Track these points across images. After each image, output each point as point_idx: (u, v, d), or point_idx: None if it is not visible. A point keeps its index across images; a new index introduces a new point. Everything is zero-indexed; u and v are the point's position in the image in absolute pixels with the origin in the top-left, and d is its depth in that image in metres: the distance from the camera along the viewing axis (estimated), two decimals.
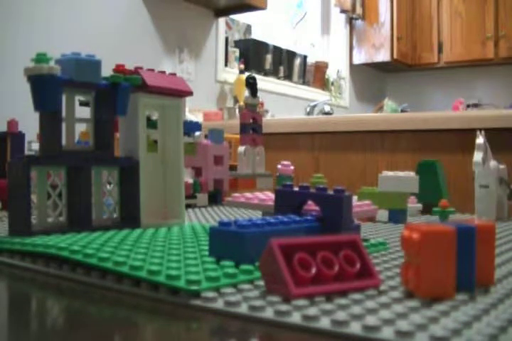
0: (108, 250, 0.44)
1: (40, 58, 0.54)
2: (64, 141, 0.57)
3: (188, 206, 0.94)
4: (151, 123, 0.67)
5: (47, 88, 0.54)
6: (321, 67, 3.49)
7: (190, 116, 2.19)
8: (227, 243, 0.42)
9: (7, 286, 0.44)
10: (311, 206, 0.52)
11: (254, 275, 0.39)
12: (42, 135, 0.56)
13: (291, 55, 3.23)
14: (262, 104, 2.69)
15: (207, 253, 0.44)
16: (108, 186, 0.62)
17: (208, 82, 2.65)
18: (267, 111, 2.76)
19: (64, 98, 0.57)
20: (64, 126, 0.57)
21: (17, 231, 0.53)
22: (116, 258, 0.41)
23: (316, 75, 3.46)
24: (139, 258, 0.42)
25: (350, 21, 3.75)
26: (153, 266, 0.39)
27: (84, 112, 0.60)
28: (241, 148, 1.04)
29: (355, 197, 0.72)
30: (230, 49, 2.82)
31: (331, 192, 0.49)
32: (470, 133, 1.29)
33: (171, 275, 0.37)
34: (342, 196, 0.48)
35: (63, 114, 0.57)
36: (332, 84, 3.59)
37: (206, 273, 0.37)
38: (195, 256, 0.44)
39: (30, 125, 0.89)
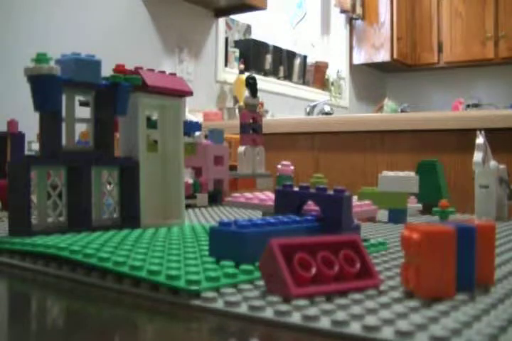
0: (108, 250, 0.44)
1: (40, 58, 0.54)
2: (64, 141, 0.57)
3: (188, 206, 0.94)
4: (151, 123, 0.67)
5: (47, 88, 0.54)
6: (321, 67, 3.49)
7: (190, 116, 2.19)
8: (227, 243, 0.42)
9: (7, 286, 0.44)
10: (311, 206, 0.52)
11: (254, 276, 0.39)
12: (42, 135, 0.56)
13: (291, 55, 3.22)
14: (262, 104, 2.69)
15: (207, 253, 0.44)
16: (108, 186, 0.62)
17: (208, 82, 2.65)
18: (266, 111, 2.76)
19: (64, 98, 0.57)
20: (64, 126, 0.57)
21: (17, 231, 0.53)
22: (116, 258, 0.40)
23: (316, 75, 3.46)
24: (139, 258, 0.42)
25: (350, 21, 3.75)
26: (153, 266, 0.39)
27: (84, 112, 0.60)
28: (241, 148, 1.04)
29: (355, 197, 0.72)
30: (230, 49, 2.81)
31: (331, 192, 0.49)
32: (470, 133, 1.29)
33: (171, 275, 0.37)
34: (342, 196, 0.48)
35: (63, 114, 0.57)
36: (332, 84, 3.59)
37: (206, 273, 0.37)
38: (195, 256, 0.44)
39: (30, 125, 0.89)
